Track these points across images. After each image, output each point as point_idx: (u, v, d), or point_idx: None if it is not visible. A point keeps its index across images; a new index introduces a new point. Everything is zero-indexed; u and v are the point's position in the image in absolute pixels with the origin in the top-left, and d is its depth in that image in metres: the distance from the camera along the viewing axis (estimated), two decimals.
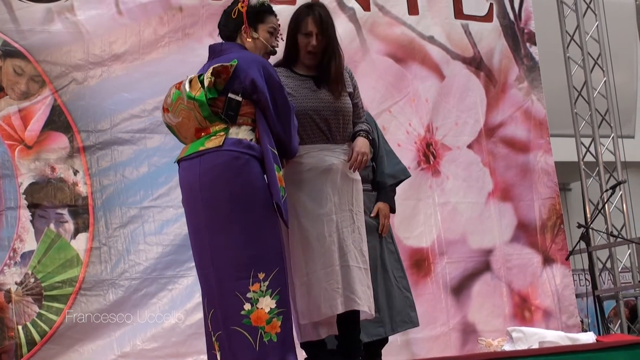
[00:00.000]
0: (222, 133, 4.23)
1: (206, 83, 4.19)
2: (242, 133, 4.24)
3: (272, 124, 4.26)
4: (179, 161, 4.41)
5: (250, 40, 4.44)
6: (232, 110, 4.21)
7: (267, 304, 4.13)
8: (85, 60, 6.63)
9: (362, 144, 4.53)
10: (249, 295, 4.11)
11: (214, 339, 4.21)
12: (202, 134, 4.28)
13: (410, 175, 5.84)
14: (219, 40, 6.74)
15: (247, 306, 4.11)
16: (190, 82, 4.25)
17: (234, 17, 4.46)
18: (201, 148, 4.25)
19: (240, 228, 4.15)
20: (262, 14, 4.48)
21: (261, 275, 4.13)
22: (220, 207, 4.16)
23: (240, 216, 4.15)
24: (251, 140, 4.24)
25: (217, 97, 4.22)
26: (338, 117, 4.53)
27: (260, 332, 4.10)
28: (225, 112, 4.22)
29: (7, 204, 6.25)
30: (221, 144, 4.19)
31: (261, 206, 4.17)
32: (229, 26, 4.50)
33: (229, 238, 4.15)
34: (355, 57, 7.43)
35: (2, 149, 6.31)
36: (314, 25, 4.54)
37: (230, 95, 4.21)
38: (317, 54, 4.56)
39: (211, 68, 4.22)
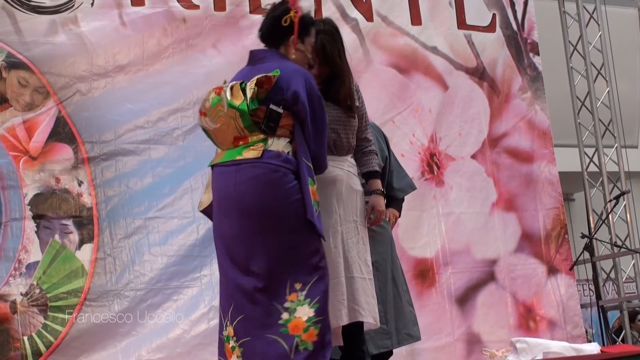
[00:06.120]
0: (260, 144, 4.18)
1: (249, 94, 4.14)
2: (280, 145, 4.20)
3: (308, 137, 4.23)
4: (213, 165, 4.34)
5: (295, 51, 4.36)
6: (273, 121, 4.17)
7: (305, 312, 4.13)
8: (89, 71, 6.64)
9: (381, 203, 4.65)
10: (286, 305, 4.12)
11: (233, 344, 4.16)
12: (240, 142, 4.22)
13: (416, 188, 5.86)
14: (223, 51, 6.92)
15: (285, 315, 4.12)
16: (232, 89, 4.19)
17: (284, 24, 4.32)
18: (238, 157, 4.20)
19: (275, 240, 4.14)
20: (309, 26, 4.41)
21: (298, 286, 4.14)
22: (256, 219, 4.15)
23: (276, 229, 4.15)
24: (288, 152, 4.21)
25: (258, 107, 4.16)
26: (347, 131, 4.54)
27: (296, 341, 4.10)
28: (265, 123, 4.17)
29: (12, 215, 6.26)
30: (260, 155, 4.16)
31: (295, 219, 4.16)
32: (276, 32, 4.36)
33: (264, 249, 4.14)
34: (359, 67, 7.42)
35: (7, 160, 6.32)
36: (315, 55, 4.50)
37: (271, 106, 4.16)
38: (320, 77, 4.52)
39: (255, 79, 4.16)
